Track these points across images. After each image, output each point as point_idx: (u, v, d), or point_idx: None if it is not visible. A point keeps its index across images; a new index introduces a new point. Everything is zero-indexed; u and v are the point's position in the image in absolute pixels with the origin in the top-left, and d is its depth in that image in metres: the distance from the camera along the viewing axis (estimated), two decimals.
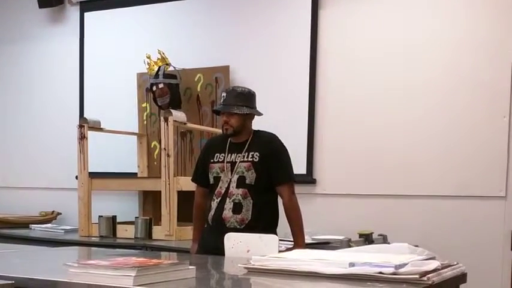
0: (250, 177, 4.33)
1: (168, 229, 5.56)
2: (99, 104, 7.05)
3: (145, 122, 6.79)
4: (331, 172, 5.96)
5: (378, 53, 5.80)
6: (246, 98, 4.44)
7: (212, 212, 4.39)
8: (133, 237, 5.75)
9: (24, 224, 6.86)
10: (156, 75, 6.32)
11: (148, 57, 6.43)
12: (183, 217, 5.59)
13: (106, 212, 6.05)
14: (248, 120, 4.45)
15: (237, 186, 4.34)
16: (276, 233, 4.23)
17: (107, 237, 5.85)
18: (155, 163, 6.63)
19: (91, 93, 7.25)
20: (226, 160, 4.41)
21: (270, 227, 4.32)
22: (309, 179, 5.96)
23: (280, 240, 4.11)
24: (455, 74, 5.51)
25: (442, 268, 2.82)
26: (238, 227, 4.27)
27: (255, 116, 4.51)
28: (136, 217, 5.93)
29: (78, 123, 6.10)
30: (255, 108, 4.51)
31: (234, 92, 4.46)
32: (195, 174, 4.66)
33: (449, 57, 5.55)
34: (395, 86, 5.72)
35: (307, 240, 4.58)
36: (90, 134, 6.07)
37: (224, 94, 4.49)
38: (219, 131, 4.97)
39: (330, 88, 5.98)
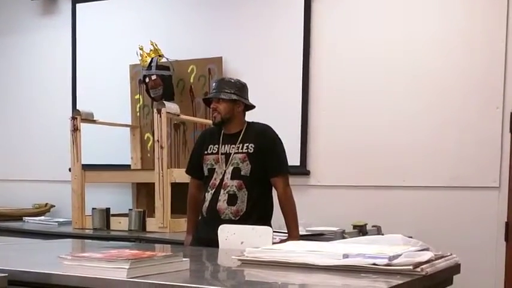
0: (245, 168, 4.32)
1: (162, 221, 5.56)
2: (92, 95, 7.03)
3: (138, 114, 6.78)
4: (325, 163, 5.96)
5: (371, 44, 5.78)
6: (235, 86, 4.44)
7: (206, 204, 4.38)
8: (127, 229, 5.75)
9: (18, 216, 6.85)
10: (149, 66, 6.31)
11: (141, 49, 6.42)
12: (177, 209, 5.58)
13: (99, 204, 6.04)
14: (237, 109, 4.42)
15: (232, 178, 4.33)
16: (270, 225, 4.22)
17: (101, 230, 5.85)
18: (148, 155, 6.62)
19: (84, 85, 7.23)
20: (220, 151, 4.40)
21: (264, 219, 4.32)
22: (302, 170, 5.96)
23: (274, 231, 4.11)
24: (449, 66, 5.51)
25: (436, 259, 2.83)
26: (233, 218, 4.26)
27: (248, 108, 4.50)
28: (130, 209, 5.93)
29: (71, 115, 6.10)
30: (246, 98, 4.50)
31: (222, 81, 4.52)
32: (189, 166, 4.65)
33: (443, 49, 5.54)
34: (388, 78, 5.71)
35: (301, 231, 4.59)
36: (83, 126, 6.06)
37: (214, 84, 4.53)
38: None
39: (323, 79, 5.98)
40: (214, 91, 4.44)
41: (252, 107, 4.51)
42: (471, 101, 5.43)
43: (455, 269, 3.08)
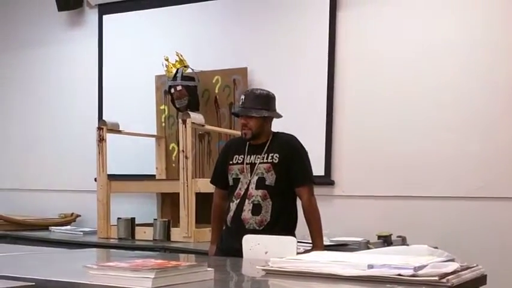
0: (270, 178, 4.32)
1: (187, 231, 5.57)
2: (118, 106, 7.08)
3: (163, 124, 6.80)
4: (349, 173, 5.95)
5: (395, 55, 5.78)
6: (265, 101, 4.42)
7: (231, 214, 4.38)
8: (151, 239, 5.76)
9: (44, 226, 6.90)
10: (174, 77, 6.34)
11: (167, 60, 6.44)
12: (202, 219, 5.59)
13: (125, 214, 6.07)
14: (267, 123, 4.43)
15: (257, 188, 4.33)
16: (294, 235, 4.21)
17: (126, 239, 5.87)
18: (173, 165, 6.64)
19: (110, 96, 7.28)
20: (245, 161, 4.40)
21: (288, 229, 4.31)
22: (327, 180, 5.95)
23: (299, 242, 4.10)
24: (473, 74, 5.49)
25: (462, 270, 2.80)
26: (257, 228, 4.26)
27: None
28: (154, 219, 5.95)
29: (97, 126, 6.14)
30: (275, 110, 4.50)
31: (252, 95, 4.45)
32: (214, 176, 4.66)
33: (466, 57, 5.52)
34: (413, 88, 5.69)
35: (326, 242, 4.58)
36: (109, 136, 6.10)
37: (243, 97, 4.47)
38: (237, 132, 4.98)
39: (348, 89, 5.97)
40: (242, 106, 4.41)
41: (279, 116, 4.51)
42: (495, 110, 5.40)
43: (481, 280, 3.04)
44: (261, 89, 4.55)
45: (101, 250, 4.95)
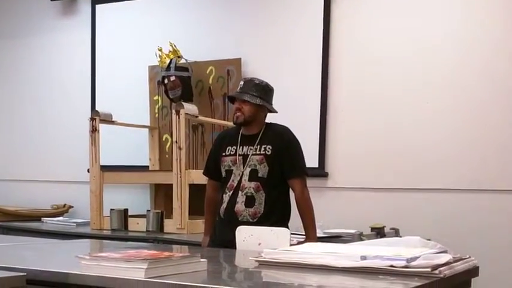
0: (263, 170, 4.31)
1: (180, 222, 5.57)
2: (111, 96, 7.06)
3: (156, 115, 6.79)
4: (343, 165, 5.95)
5: (390, 46, 5.77)
6: (262, 90, 4.42)
7: (224, 205, 4.37)
8: (144, 230, 5.76)
9: (36, 217, 6.89)
10: (168, 67, 6.32)
11: (160, 50, 6.42)
12: (195, 210, 5.58)
13: (118, 205, 6.06)
14: (260, 113, 4.42)
15: (249, 180, 4.32)
16: (287, 227, 4.22)
17: (119, 230, 5.87)
18: (167, 156, 6.63)
19: (102, 86, 7.26)
20: (238, 153, 4.39)
21: (282, 221, 4.31)
22: (321, 172, 5.95)
23: (292, 233, 4.09)
24: (468, 69, 5.49)
25: (454, 261, 2.80)
26: (250, 220, 4.25)
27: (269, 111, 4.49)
28: (147, 210, 5.94)
29: (89, 116, 6.12)
30: (271, 103, 4.49)
31: (251, 82, 4.46)
32: (207, 167, 4.65)
33: (462, 53, 5.52)
34: (409, 80, 5.69)
35: (319, 233, 4.58)
36: (102, 127, 6.08)
37: (242, 82, 4.49)
38: (231, 124, 4.96)
39: (343, 81, 5.96)
40: (240, 91, 4.43)
41: (274, 110, 4.50)
42: (493, 104, 5.40)
43: (474, 271, 3.05)
44: (262, 80, 4.53)
45: (93, 241, 4.93)
